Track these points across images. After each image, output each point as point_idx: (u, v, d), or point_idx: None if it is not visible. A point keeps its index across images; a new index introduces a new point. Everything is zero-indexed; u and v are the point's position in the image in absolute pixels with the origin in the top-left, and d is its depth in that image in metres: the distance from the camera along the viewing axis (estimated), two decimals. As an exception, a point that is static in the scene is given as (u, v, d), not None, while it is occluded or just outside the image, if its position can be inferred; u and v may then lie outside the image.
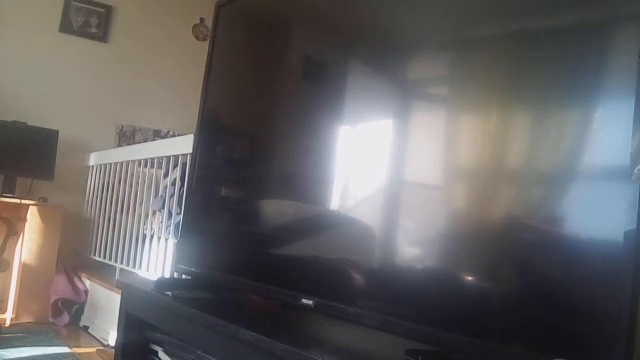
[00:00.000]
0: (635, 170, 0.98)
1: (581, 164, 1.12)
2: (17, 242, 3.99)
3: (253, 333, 1.41)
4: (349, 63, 1.76)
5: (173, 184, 3.28)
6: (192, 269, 2.14)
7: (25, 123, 4.26)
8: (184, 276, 2.24)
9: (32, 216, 4.00)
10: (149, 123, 5.05)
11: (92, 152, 4.68)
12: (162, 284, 2.02)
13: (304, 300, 1.58)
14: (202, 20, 5.31)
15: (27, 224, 3.97)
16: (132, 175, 4.01)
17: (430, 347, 1.24)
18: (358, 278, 1.54)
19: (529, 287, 1.17)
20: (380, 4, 1.66)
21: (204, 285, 2.04)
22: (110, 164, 4.33)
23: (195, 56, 4.82)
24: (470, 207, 1.33)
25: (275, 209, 1.92)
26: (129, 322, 2.07)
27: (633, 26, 1.07)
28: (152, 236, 3.47)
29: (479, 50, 1.39)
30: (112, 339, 3.39)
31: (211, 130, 2.28)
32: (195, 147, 2.33)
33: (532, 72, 1.22)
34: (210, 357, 1.69)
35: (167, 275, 3.04)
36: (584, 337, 1.04)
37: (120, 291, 2.24)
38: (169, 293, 1.88)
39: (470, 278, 1.30)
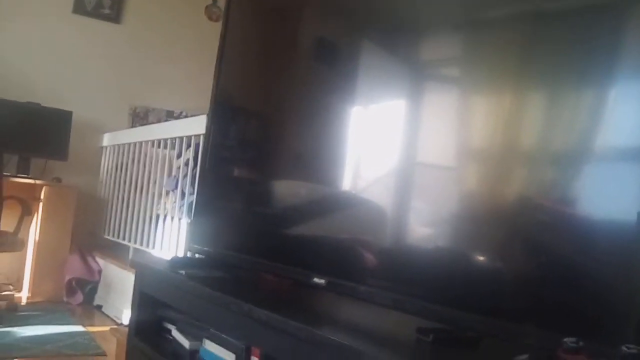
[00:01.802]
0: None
1: (595, 145, 1.12)
2: (31, 222, 4.03)
3: (266, 311, 1.43)
4: (363, 44, 1.76)
5: (186, 164, 3.30)
6: (206, 249, 2.16)
7: (39, 104, 4.28)
8: (197, 255, 2.26)
9: (46, 196, 4.03)
10: (162, 104, 5.06)
11: (105, 132, 4.70)
12: (176, 263, 2.04)
13: (316, 279, 1.60)
14: (214, 0, 5.29)
15: (41, 204, 4.01)
16: (146, 155, 4.03)
17: (442, 326, 1.25)
18: (370, 257, 1.55)
19: (541, 266, 1.17)
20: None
21: (217, 264, 2.05)
22: (124, 145, 4.36)
23: (208, 37, 4.80)
24: (482, 188, 1.33)
25: (287, 189, 1.93)
26: (142, 300, 2.10)
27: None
28: (165, 216, 3.49)
29: (492, 30, 1.38)
30: (125, 317, 3.43)
31: (224, 111, 2.29)
32: (208, 128, 2.34)
33: (547, 53, 1.21)
34: (223, 335, 1.71)
35: (180, 254, 3.06)
36: (596, 317, 1.04)
37: (133, 270, 2.26)
38: (183, 272, 1.89)
39: (482, 257, 1.30)
